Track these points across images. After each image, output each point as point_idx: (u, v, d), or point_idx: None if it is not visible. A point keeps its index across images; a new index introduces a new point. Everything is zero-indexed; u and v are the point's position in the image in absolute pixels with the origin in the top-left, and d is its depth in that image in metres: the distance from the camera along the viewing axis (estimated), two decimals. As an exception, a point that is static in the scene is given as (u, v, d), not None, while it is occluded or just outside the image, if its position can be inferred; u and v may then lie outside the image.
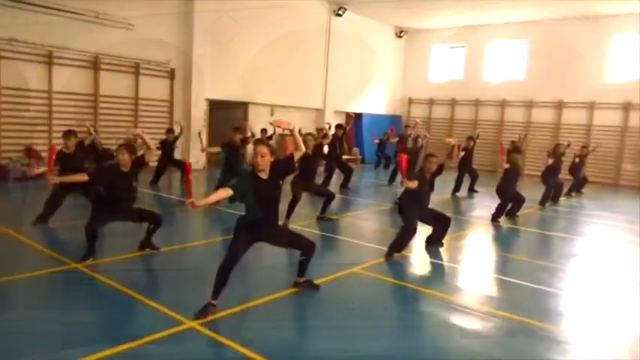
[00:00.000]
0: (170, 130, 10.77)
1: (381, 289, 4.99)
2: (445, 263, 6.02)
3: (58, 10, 10.42)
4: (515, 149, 10.19)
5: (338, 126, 11.30)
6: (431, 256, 6.15)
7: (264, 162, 3.96)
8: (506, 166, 8.31)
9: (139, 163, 5.21)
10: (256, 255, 6.07)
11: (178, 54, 12.86)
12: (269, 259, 5.59)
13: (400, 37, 20.02)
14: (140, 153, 5.34)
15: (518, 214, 8.59)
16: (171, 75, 12.83)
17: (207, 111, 13.75)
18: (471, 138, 11.75)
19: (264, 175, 4.03)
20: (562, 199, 11.18)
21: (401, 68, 20.55)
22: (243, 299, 4.25)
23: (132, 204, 5.31)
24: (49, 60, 10.53)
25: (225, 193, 3.89)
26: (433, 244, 6.34)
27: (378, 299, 4.72)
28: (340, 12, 16.58)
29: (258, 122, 14.74)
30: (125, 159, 5.05)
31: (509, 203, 8.35)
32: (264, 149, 3.93)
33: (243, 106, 14.89)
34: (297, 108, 15.95)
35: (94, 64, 11.28)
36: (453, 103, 19.06)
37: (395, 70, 20.27)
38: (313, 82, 16.68)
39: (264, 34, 14.50)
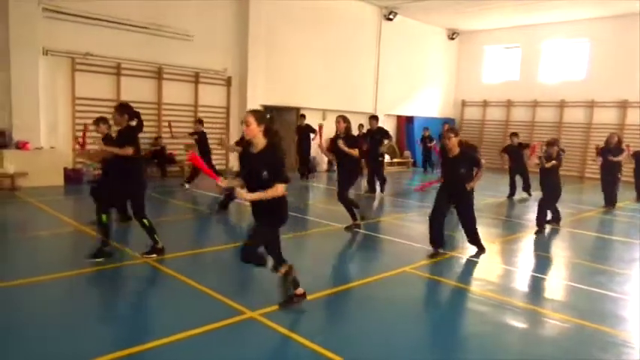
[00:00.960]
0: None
1: (434, 290, 5.08)
2: (501, 265, 6.01)
3: (126, 24, 11.20)
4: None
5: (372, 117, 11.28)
6: (486, 259, 6.15)
7: (249, 131, 3.62)
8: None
9: None
10: (312, 250, 6.35)
11: (234, 62, 13.42)
12: (326, 255, 5.81)
13: (452, 38, 19.81)
14: None
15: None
16: (228, 82, 13.41)
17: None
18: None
19: (254, 149, 3.72)
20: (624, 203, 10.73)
21: (453, 70, 20.31)
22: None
23: None
24: (117, 71, 11.33)
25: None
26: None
27: (432, 299, 4.82)
28: (391, 16, 16.66)
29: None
30: None
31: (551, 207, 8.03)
32: (249, 117, 3.61)
33: (295, 111, 15.28)
34: (348, 112, 16.07)
35: (158, 74, 12.01)
36: (508, 104, 18.62)
37: (447, 72, 20.07)
38: (364, 86, 16.84)
39: (315, 39, 14.88)
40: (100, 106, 11.14)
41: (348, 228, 7.11)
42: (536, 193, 11.03)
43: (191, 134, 10.22)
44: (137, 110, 5.72)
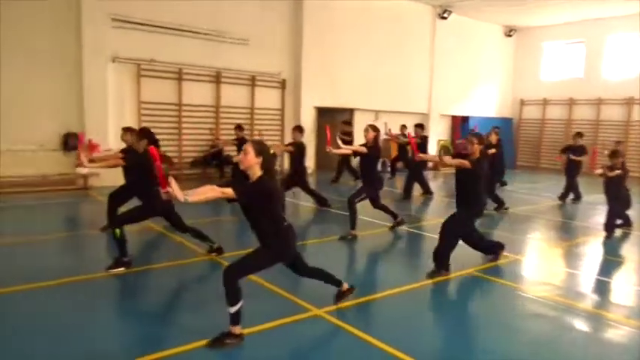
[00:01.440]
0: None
1: (500, 293, 4.98)
2: (565, 269, 5.80)
3: (188, 31, 11.67)
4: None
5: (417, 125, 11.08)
6: (548, 262, 5.96)
7: (245, 160, 3.46)
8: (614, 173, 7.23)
9: None
10: (381, 251, 6.38)
11: (289, 65, 13.65)
12: (389, 256, 5.82)
13: (509, 35, 19.20)
14: None
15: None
16: (283, 85, 13.65)
17: (316, 117, 14.36)
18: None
19: (251, 178, 3.54)
20: None
21: (510, 68, 19.67)
22: (366, 292, 4.56)
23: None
24: (179, 76, 11.81)
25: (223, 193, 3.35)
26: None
27: (499, 302, 4.74)
28: (445, 15, 16.38)
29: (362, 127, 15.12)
30: None
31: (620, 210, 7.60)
32: (248, 147, 3.47)
33: (348, 112, 15.33)
34: (401, 113, 16.01)
35: (216, 78, 12.41)
36: (570, 102, 17.82)
37: (504, 70, 19.47)
38: (418, 86, 16.65)
39: (369, 40, 14.88)
40: (164, 110, 11.70)
41: (392, 227, 7.28)
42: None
43: (232, 141, 10.43)
44: (156, 138, 5.69)
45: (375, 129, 6.86)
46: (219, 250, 5.63)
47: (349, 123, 13.65)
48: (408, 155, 10.60)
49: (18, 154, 9.89)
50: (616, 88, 16.59)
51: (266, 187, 3.46)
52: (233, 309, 3.45)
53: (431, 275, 5.12)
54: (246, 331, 3.58)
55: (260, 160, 3.46)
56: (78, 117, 10.52)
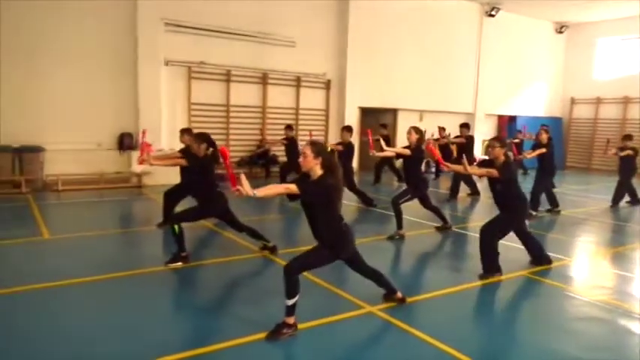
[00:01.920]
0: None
1: (554, 295, 4.89)
2: (619, 272, 5.62)
3: (236, 34, 11.98)
4: None
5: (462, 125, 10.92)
6: (602, 265, 5.79)
7: (305, 163, 3.58)
8: None
9: None
10: (430, 251, 6.38)
11: (333, 66, 13.76)
12: (440, 256, 5.82)
13: (561, 32, 18.58)
14: None
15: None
16: (327, 86, 13.77)
17: (360, 118, 14.39)
18: None
19: (312, 178, 3.65)
20: None
21: (561, 65, 19.03)
22: (419, 291, 4.62)
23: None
24: (227, 78, 12.14)
25: (287, 189, 3.55)
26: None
27: (553, 305, 4.67)
28: (493, 12, 16.03)
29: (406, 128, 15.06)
30: None
31: None
32: (306, 149, 3.58)
33: (392, 112, 15.28)
34: (446, 112, 15.81)
35: (263, 80, 12.67)
36: (625, 101, 17.07)
37: (554, 68, 18.85)
38: (463, 85, 16.38)
39: (413, 39, 14.78)
40: (212, 111, 12.06)
41: (438, 228, 7.31)
42: None
43: (282, 140, 10.63)
44: (213, 140, 5.73)
45: (418, 131, 6.88)
46: (274, 249, 5.78)
47: (385, 126, 13.52)
48: (452, 156, 10.47)
49: (77, 152, 10.45)
50: (676, 86, 15.77)
51: (327, 184, 3.55)
52: (290, 302, 3.59)
53: (482, 276, 5.09)
54: (301, 326, 3.70)
55: (319, 160, 3.57)
56: (133, 118, 11.01)
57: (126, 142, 10.95)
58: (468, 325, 4.14)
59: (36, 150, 9.86)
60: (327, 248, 3.72)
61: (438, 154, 6.46)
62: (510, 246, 5.80)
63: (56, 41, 10.14)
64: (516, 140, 13.87)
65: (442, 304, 4.51)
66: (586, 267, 5.96)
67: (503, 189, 5.18)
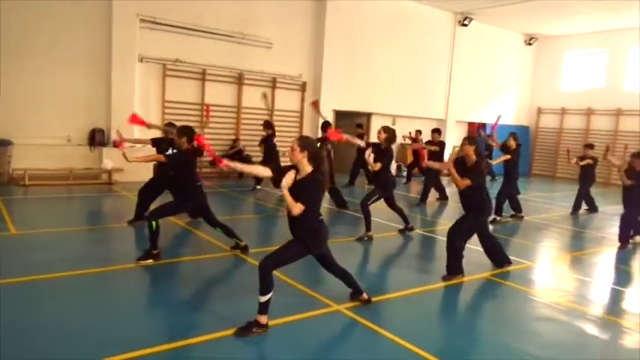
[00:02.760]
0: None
1: (515, 296, 5.12)
2: (579, 277, 5.91)
3: (213, 33, 11.98)
4: None
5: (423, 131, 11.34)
6: (561, 270, 6.07)
7: (292, 156, 3.72)
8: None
9: None
10: (396, 253, 6.55)
11: (309, 68, 13.89)
12: (408, 257, 5.98)
13: (530, 44, 19.21)
14: None
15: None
16: (303, 87, 13.89)
17: (334, 120, 14.54)
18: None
19: (300, 174, 3.76)
20: None
21: (529, 76, 19.68)
22: (385, 291, 4.76)
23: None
24: (202, 77, 12.11)
25: (264, 171, 4.02)
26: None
27: (514, 306, 4.89)
28: (466, 22, 16.47)
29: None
30: None
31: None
32: (293, 144, 3.72)
33: (366, 116, 15.50)
34: (418, 118, 16.15)
35: (239, 80, 12.69)
36: (589, 112, 17.77)
37: (523, 78, 19.48)
38: (436, 92, 16.76)
39: (388, 45, 15.05)
40: (187, 109, 12.00)
41: (401, 231, 7.46)
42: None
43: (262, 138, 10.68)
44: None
45: (387, 130, 6.86)
46: (245, 249, 5.84)
47: (361, 126, 13.78)
48: (424, 160, 10.75)
49: (47, 147, 10.27)
50: (636, 99, 16.51)
51: (319, 180, 3.73)
52: (264, 298, 3.66)
53: (445, 278, 5.28)
54: (271, 322, 3.79)
55: (305, 154, 3.68)
56: (105, 114, 10.88)
57: (97, 138, 10.82)
58: (431, 324, 4.31)
59: (3, 143, 9.64)
60: (301, 242, 3.82)
61: (424, 155, 6.64)
62: (473, 249, 6.03)
63: (28, 35, 9.95)
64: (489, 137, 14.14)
65: (407, 303, 4.67)
66: (545, 271, 6.24)
67: (473, 191, 5.36)
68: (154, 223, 5.26)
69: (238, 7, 12.29)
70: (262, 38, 12.74)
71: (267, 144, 10.48)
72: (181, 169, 5.51)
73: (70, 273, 4.81)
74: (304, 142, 3.74)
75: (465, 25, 16.55)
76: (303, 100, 13.95)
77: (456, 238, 5.33)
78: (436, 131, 11.28)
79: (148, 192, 6.93)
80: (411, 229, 7.49)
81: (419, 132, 13.59)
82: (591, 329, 4.35)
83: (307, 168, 3.71)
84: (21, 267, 4.89)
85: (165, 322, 3.96)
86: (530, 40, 19.14)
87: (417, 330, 4.02)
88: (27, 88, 10.05)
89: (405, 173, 14.47)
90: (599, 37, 17.44)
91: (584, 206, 10.53)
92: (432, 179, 10.74)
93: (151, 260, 5.28)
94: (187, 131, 5.47)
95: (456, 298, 5.04)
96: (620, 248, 7.36)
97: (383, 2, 14.58)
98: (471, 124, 18.29)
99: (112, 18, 10.63)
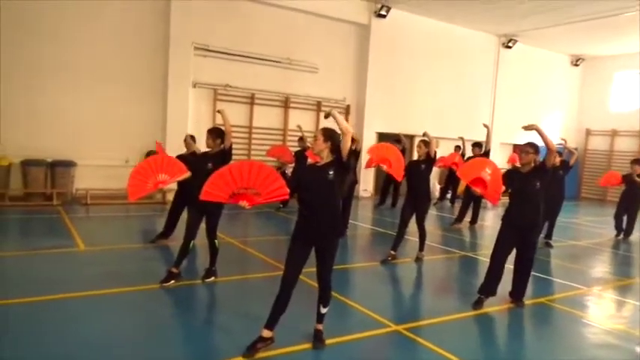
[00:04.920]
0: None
1: (571, 322, 5.07)
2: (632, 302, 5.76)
3: (261, 59, 12.47)
4: None
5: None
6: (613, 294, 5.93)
7: (316, 145, 3.81)
8: None
9: None
10: (440, 275, 6.57)
11: (353, 91, 14.18)
12: (452, 279, 6.00)
13: (577, 65, 18.90)
14: None
15: None
16: (347, 110, 14.16)
17: (377, 142, 14.68)
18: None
19: (320, 162, 3.83)
20: None
21: (576, 97, 19.29)
22: (444, 312, 4.84)
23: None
24: (251, 101, 12.58)
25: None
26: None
27: (569, 331, 4.84)
28: (510, 44, 16.42)
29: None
30: None
31: None
32: (318, 133, 3.83)
33: (409, 138, 15.56)
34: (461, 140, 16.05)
35: (285, 103, 13.10)
36: (640, 134, 17.21)
37: (570, 99, 19.12)
38: (479, 114, 16.64)
39: (431, 69, 15.18)
40: (236, 132, 12.40)
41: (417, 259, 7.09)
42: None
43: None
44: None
45: (427, 144, 6.91)
46: (172, 276, 5.33)
47: (399, 140, 13.65)
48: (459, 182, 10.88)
49: (106, 168, 10.87)
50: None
51: (350, 165, 3.84)
52: (327, 309, 3.94)
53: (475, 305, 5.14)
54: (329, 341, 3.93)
55: (329, 144, 3.77)
56: (160, 136, 11.43)
57: (152, 160, 11.34)
58: (490, 346, 4.31)
59: (68, 165, 10.30)
60: (335, 236, 3.81)
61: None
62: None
63: (93, 60, 10.68)
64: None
65: (462, 325, 4.70)
66: (597, 295, 6.10)
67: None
68: (216, 241, 5.51)
69: (285, 33, 12.77)
70: (308, 63, 13.15)
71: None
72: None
73: (112, 290, 5.10)
74: (329, 133, 3.81)
75: (510, 47, 16.50)
76: (347, 122, 14.17)
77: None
78: (477, 145, 11.20)
79: (177, 210, 7.17)
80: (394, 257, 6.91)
81: (458, 147, 13.47)
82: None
83: (329, 157, 3.78)
84: (89, 280, 5.23)
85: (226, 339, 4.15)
86: (576, 61, 18.83)
87: (476, 352, 4.05)
88: (88, 111, 10.71)
89: (449, 195, 14.36)
90: (650, 57, 16.97)
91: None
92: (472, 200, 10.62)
93: (213, 278, 5.50)
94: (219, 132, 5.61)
95: (512, 321, 5.02)
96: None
97: (427, 26, 14.78)
98: (515, 146, 18.02)
99: (169, 46, 11.27)
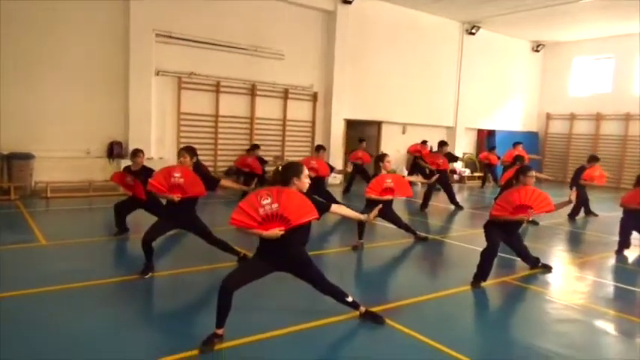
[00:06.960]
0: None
1: (535, 299, 5.24)
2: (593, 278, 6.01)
3: (227, 46, 12.25)
4: None
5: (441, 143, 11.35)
6: (574, 272, 6.17)
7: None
8: None
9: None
10: (412, 260, 6.67)
11: (320, 78, 14.13)
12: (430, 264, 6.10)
13: (537, 50, 19.38)
14: None
15: None
16: (314, 98, 14.11)
17: (344, 130, 14.75)
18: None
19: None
20: None
21: (537, 82, 19.82)
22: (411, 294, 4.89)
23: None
24: (216, 89, 12.37)
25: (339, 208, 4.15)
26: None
27: (535, 307, 5.00)
28: (473, 30, 16.68)
29: (391, 141, 15.55)
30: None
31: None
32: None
33: (376, 125, 15.69)
34: (427, 126, 16.33)
35: (252, 91, 12.93)
36: (597, 117, 17.85)
37: (531, 84, 19.63)
38: (444, 100, 16.93)
39: (397, 55, 15.28)
40: (201, 121, 12.25)
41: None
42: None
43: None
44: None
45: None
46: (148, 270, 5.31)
47: (363, 140, 13.55)
48: (425, 170, 11.18)
49: (67, 160, 10.52)
50: (646, 104, 16.60)
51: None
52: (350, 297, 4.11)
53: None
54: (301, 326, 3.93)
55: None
56: (123, 127, 11.14)
57: (115, 151, 11.05)
58: (459, 325, 4.42)
59: (26, 157, 9.90)
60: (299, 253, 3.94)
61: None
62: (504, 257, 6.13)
63: (48, 50, 10.26)
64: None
65: (432, 306, 4.79)
66: (558, 273, 6.33)
67: None
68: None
69: (251, 21, 12.57)
70: (274, 50, 13.00)
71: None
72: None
73: (95, 282, 4.98)
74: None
75: (473, 34, 16.76)
76: (314, 110, 14.16)
77: None
78: (443, 144, 11.30)
79: (124, 208, 7.20)
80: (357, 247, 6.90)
81: (425, 142, 13.81)
82: (606, 327, 4.45)
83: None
84: (50, 276, 5.07)
85: (191, 329, 4.10)
86: (537, 47, 19.31)
87: (440, 330, 4.14)
88: (46, 102, 10.32)
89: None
90: (606, 43, 17.57)
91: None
92: (444, 185, 10.89)
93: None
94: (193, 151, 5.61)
95: (477, 300, 5.14)
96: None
97: (392, 12, 14.83)
98: (480, 131, 18.44)
99: (130, 33, 10.92)
